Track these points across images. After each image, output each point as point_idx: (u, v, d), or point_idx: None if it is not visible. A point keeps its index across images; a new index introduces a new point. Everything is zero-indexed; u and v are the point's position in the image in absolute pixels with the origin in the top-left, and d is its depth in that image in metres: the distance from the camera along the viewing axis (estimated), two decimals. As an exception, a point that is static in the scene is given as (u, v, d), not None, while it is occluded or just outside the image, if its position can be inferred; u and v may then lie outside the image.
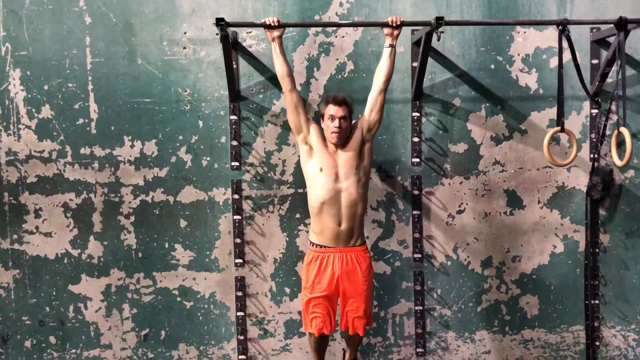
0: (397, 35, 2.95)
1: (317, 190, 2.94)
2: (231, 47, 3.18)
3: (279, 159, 3.42)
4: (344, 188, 2.92)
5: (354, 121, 3.05)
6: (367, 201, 3.13)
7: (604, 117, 3.38)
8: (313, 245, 2.99)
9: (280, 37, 2.93)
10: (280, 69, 2.94)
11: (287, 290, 3.47)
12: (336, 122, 2.91)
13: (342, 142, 2.96)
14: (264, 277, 3.47)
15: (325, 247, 2.95)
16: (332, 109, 2.92)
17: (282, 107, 3.34)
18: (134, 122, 3.38)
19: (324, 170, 2.93)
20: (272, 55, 2.95)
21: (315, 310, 2.98)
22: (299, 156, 3.40)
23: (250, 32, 3.35)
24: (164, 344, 3.48)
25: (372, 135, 3.03)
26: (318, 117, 3.12)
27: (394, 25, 2.92)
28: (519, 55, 3.42)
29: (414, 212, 3.45)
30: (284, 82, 2.95)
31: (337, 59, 3.38)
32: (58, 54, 3.33)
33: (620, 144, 3.13)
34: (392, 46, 2.95)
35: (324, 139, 2.99)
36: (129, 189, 3.40)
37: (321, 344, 3.18)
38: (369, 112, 2.99)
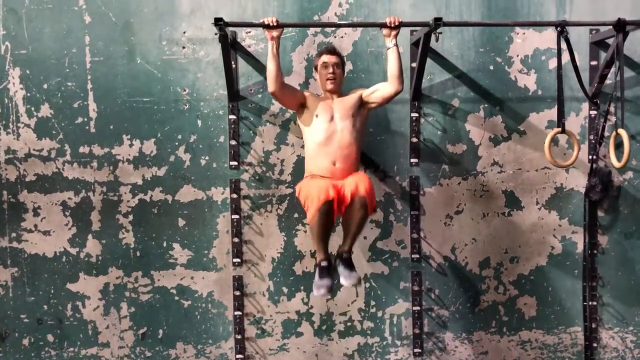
0: (396, 35, 2.97)
1: (312, 135, 3.06)
2: (230, 46, 3.19)
3: (278, 158, 3.43)
4: (339, 129, 3.03)
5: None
6: (361, 147, 3.14)
7: (602, 119, 3.38)
8: (307, 176, 3.07)
9: (278, 37, 2.95)
10: (272, 68, 2.98)
11: (285, 289, 3.48)
12: (330, 69, 3.07)
13: (337, 89, 3.11)
14: (262, 276, 3.47)
15: (320, 176, 3.02)
16: (325, 57, 3.11)
17: (281, 107, 3.34)
18: (133, 121, 3.38)
19: (320, 116, 3.05)
20: (268, 54, 2.96)
21: (319, 183, 2.89)
22: (297, 156, 3.41)
23: (250, 32, 3.36)
24: (161, 343, 3.49)
25: (368, 108, 3.13)
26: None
27: (392, 25, 2.94)
28: (517, 56, 3.42)
29: (412, 213, 3.45)
30: (275, 82, 2.99)
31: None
32: (57, 52, 3.34)
33: (619, 145, 3.12)
34: (395, 45, 2.99)
35: (319, 96, 3.15)
36: (128, 187, 3.41)
37: (327, 217, 2.85)
38: (370, 93, 3.11)
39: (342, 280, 2.93)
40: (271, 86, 3.00)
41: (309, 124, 3.08)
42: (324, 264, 2.94)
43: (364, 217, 2.91)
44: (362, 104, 3.11)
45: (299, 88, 3.33)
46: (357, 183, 2.88)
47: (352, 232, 2.94)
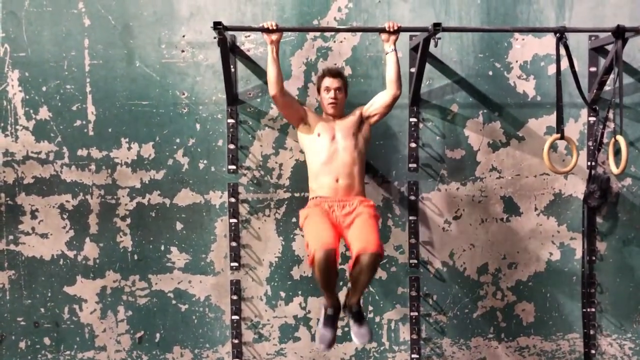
0: (395, 40, 2.97)
1: (314, 155, 3.06)
2: (229, 50, 3.19)
3: (276, 162, 3.42)
4: (341, 148, 3.03)
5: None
6: (364, 165, 3.13)
7: (601, 125, 3.38)
8: (312, 199, 3.04)
9: (278, 41, 2.95)
10: (273, 73, 2.99)
11: (283, 294, 3.47)
12: (332, 93, 3.05)
13: (339, 113, 3.11)
14: (260, 280, 3.46)
15: (324, 197, 3.00)
16: (327, 81, 3.08)
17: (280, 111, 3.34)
18: (131, 124, 3.38)
19: (322, 135, 3.05)
20: (268, 59, 2.96)
21: (319, 227, 2.84)
22: (295, 160, 3.41)
23: (249, 36, 3.36)
24: (158, 347, 3.48)
25: (370, 124, 3.14)
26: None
27: (391, 30, 2.94)
28: (517, 62, 3.42)
29: (411, 218, 3.45)
30: (276, 87, 3.00)
31: (335, 64, 3.38)
32: (56, 55, 3.34)
33: (617, 151, 3.12)
34: (394, 50, 3.00)
35: (321, 115, 3.14)
36: (126, 191, 3.40)
37: (328, 266, 2.71)
38: (369, 106, 3.12)
39: (354, 338, 2.98)
40: (272, 89, 3.00)
41: (309, 142, 3.08)
42: (329, 312, 2.97)
43: (373, 273, 2.83)
44: (362, 121, 3.11)
45: (298, 92, 3.34)
46: (367, 237, 2.76)
47: (360, 288, 2.86)
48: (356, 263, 2.75)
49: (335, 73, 3.10)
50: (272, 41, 2.94)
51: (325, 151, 3.02)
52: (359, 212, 2.94)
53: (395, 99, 3.06)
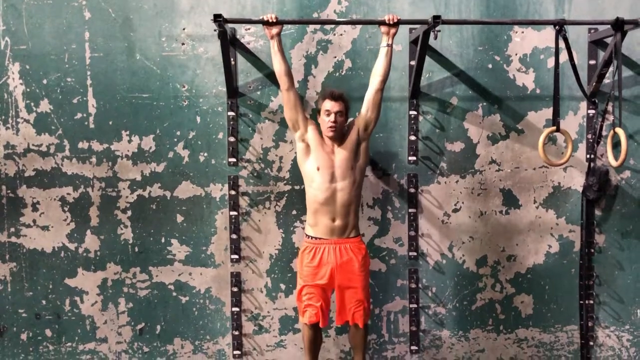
0: (394, 33, 2.97)
1: (314, 190, 3.01)
2: (229, 43, 3.19)
3: (276, 155, 3.44)
4: (339, 188, 2.98)
5: (351, 119, 3.09)
6: (361, 198, 3.17)
7: (600, 118, 3.39)
8: (308, 237, 3.05)
9: (279, 34, 2.95)
10: (278, 67, 2.97)
11: (283, 286, 3.49)
12: (332, 117, 2.95)
13: (339, 137, 3.00)
14: (260, 273, 3.48)
15: (319, 238, 3.01)
16: (328, 104, 2.97)
17: (280, 104, 3.35)
18: (132, 117, 3.39)
19: (321, 170, 2.98)
20: (271, 53, 2.97)
21: (309, 301, 3.04)
22: (296, 153, 3.41)
23: (249, 29, 3.36)
24: (159, 338, 3.50)
25: (369, 134, 3.07)
26: (315, 116, 3.14)
27: (390, 23, 2.94)
28: (516, 55, 3.43)
29: (410, 210, 3.46)
30: (282, 81, 2.99)
31: (335, 57, 3.39)
32: (57, 48, 3.34)
33: (616, 144, 3.13)
34: (389, 45, 2.97)
35: (321, 137, 3.03)
36: (126, 183, 3.41)
37: (314, 337, 3.14)
38: (366, 111, 3.03)
39: None
40: (283, 83, 2.97)
41: (308, 170, 3.02)
42: None
43: (365, 339, 3.18)
44: (359, 140, 3.02)
45: (297, 85, 3.31)
46: (354, 310, 3.04)
47: (360, 345, 3.17)
48: (350, 330, 3.16)
49: (337, 96, 2.98)
50: (272, 35, 2.94)
51: (324, 192, 2.97)
52: (354, 269, 3.01)
53: (384, 79, 2.98)
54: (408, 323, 3.51)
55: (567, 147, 3.08)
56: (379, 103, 3.02)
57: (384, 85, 3.01)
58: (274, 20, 2.92)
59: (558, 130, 3.04)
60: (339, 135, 3.00)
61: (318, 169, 2.99)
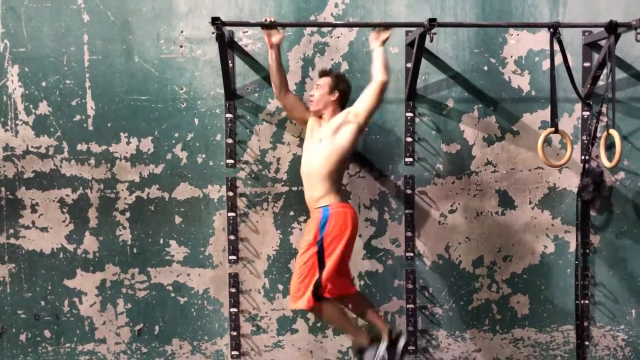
0: (385, 40, 3.00)
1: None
2: (227, 46, 3.22)
3: (274, 157, 3.46)
4: (311, 155, 3.06)
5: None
6: (333, 179, 3.00)
7: (595, 119, 3.42)
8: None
9: (278, 45, 3.00)
10: (273, 77, 3.12)
11: (280, 287, 3.51)
12: (313, 91, 3.12)
13: (319, 112, 3.12)
14: (258, 273, 3.50)
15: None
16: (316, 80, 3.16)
17: (277, 105, 3.38)
18: (130, 119, 3.41)
19: (304, 143, 3.16)
20: (268, 61, 3.02)
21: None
22: (293, 154, 3.44)
23: (247, 32, 3.39)
24: (157, 339, 3.51)
25: (359, 122, 2.98)
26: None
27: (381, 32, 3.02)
28: (511, 57, 3.46)
29: (407, 211, 3.49)
30: (276, 90, 3.15)
31: (332, 59, 3.42)
32: (56, 51, 3.36)
33: (610, 145, 3.16)
34: (380, 47, 3.02)
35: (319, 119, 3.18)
36: (125, 185, 3.43)
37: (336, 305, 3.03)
38: (357, 102, 3.04)
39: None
40: (276, 91, 3.16)
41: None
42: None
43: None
44: (346, 121, 2.99)
45: (295, 87, 3.37)
46: (295, 292, 2.97)
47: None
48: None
49: (322, 72, 3.17)
50: (272, 44, 2.98)
51: (303, 163, 3.11)
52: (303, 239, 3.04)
53: (383, 83, 2.96)
54: (405, 323, 3.53)
55: (566, 148, 3.10)
56: (378, 95, 2.99)
57: (387, 77, 3.02)
58: (272, 22, 2.95)
59: (556, 131, 3.07)
60: (318, 109, 3.10)
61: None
